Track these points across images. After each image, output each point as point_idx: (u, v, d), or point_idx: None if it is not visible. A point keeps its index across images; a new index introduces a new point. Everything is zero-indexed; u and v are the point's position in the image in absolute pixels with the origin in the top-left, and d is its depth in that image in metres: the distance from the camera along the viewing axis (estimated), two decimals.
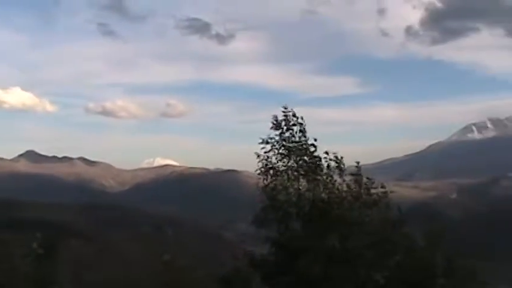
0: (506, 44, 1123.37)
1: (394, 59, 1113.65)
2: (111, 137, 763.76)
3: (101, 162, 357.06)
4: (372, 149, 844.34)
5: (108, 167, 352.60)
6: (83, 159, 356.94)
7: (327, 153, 11.62)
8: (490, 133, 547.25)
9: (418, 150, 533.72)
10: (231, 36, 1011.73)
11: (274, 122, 11.41)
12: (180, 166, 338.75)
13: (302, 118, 11.31)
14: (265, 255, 11.21)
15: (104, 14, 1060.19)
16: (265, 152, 11.31)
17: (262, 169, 11.27)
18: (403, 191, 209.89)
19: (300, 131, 11.32)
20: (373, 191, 12.43)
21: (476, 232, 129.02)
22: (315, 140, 11.38)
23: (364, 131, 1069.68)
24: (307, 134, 11.35)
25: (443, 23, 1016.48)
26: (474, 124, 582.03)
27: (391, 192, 12.82)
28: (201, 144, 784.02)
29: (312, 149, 11.42)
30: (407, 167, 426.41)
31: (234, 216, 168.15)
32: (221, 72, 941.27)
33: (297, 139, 11.37)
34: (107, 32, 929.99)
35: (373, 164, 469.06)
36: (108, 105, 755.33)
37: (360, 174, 12.41)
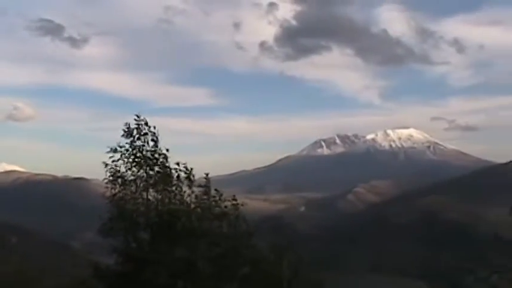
0: (354, 63, 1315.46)
1: (248, 72, 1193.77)
2: None
3: None
4: (224, 160, 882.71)
5: None
6: None
7: (178, 164, 12.38)
8: (338, 149, 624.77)
9: (268, 163, 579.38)
10: (84, 40, 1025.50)
11: (126, 129, 11.78)
12: (26, 172, 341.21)
13: (155, 127, 11.94)
14: (111, 265, 11.36)
15: None
16: (113, 161, 11.56)
17: (111, 178, 11.55)
18: (253, 204, 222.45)
19: (152, 140, 11.88)
20: (224, 203, 13.41)
21: (323, 244, 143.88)
22: (167, 150, 12.08)
23: (217, 143, 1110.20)
24: (159, 144, 12.05)
25: (296, 40, 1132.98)
26: (323, 140, 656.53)
27: (242, 204, 13.94)
28: (49, 151, 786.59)
29: (163, 159, 12.12)
30: (258, 179, 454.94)
31: (82, 225, 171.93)
32: (73, 76, 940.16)
33: (149, 148, 11.88)
34: None
35: (225, 176, 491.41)
36: None
37: (209, 186, 13.30)
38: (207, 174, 13.68)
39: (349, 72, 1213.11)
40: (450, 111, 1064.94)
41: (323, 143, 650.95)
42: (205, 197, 13.74)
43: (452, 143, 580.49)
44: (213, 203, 13.73)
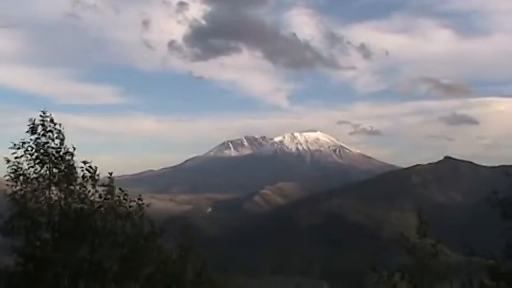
0: (264, 65, 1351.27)
1: (157, 71, 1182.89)
2: None
3: None
4: (131, 160, 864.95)
5: None
6: None
7: (84, 162, 12.68)
8: (246, 151, 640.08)
9: (176, 164, 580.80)
10: None
11: (31, 126, 11.85)
12: None
13: (60, 125, 12.13)
14: (12, 266, 11.31)
15: None
16: (16, 158, 11.59)
17: (12, 175, 11.55)
18: (159, 204, 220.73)
19: (58, 138, 12.06)
20: (129, 203, 13.69)
21: (229, 246, 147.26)
22: (74, 148, 12.34)
23: (124, 142, 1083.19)
24: (65, 142, 12.26)
25: (206, 41, 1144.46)
26: (231, 141, 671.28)
27: (147, 204, 14.31)
28: None
29: (69, 157, 12.37)
30: (165, 180, 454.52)
31: None
32: None
33: (54, 146, 12.06)
34: None
35: (131, 176, 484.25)
36: None
37: (113, 186, 13.54)
38: (110, 174, 13.86)
39: (258, 75, 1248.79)
40: (356, 115, 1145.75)
41: (231, 145, 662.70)
42: (109, 196, 13.92)
43: (358, 147, 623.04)
44: (117, 202, 13.92)
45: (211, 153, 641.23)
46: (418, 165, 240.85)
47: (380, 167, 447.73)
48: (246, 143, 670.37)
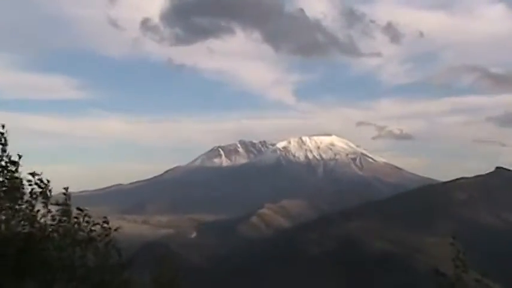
0: (263, 51, 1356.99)
1: (126, 58, 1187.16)
2: None
3: None
4: (93, 171, 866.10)
5: None
6: None
7: (33, 174, 12.40)
8: (241, 159, 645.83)
9: (152, 175, 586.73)
10: None
11: None
12: None
13: (3, 126, 11.87)
14: None
15: None
16: None
17: None
18: (131, 227, 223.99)
19: None
20: (92, 226, 13.88)
21: (218, 280, 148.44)
22: (19, 156, 12.07)
23: (84, 148, 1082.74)
24: (8, 148, 12.02)
25: (189, 19, 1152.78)
26: (222, 147, 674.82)
27: (116, 229, 14.56)
28: None
29: (13, 168, 12.11)
30: (138, 196, 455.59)
31: None
32: None
33: None
34: None
35: (94, 191, 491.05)
36: None
37: (69, 204, 13.59)
38: (66, 189, 13.65)
39: (256, 63, 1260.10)
40: (381, 115, 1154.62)
41: (222, 152, 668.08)
42: (65, 218, 13.75)
43: (383, 155, 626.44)
44: (76, 226, 13.76)
45: (197, 163, 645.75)
46: (461, 178, 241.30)
47: (412, 181, 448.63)
48: (241, 150, 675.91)
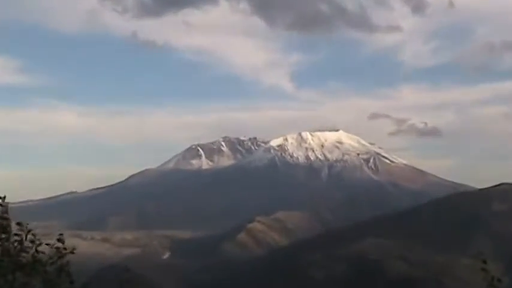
0: (252, 25, 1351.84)
1: (81, 34, 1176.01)
2: None
3: None
4: (41, 176, 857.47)
5: None
6: None
7: None
8: (225, 160, 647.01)
9: (114, 181, 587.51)
10: None
11: None
12: None
13: None
14: None
15: None
16: None
17: None
18: (87, 246, 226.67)
19: None
20: (38, 246, 12.88)
21: None
22: None
23: (28, 147, 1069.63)
24: None
25: None
26: (201, 146, 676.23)
27: (71, 250, 14.16)
28: None
29: None
30: (96, 207, 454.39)
31: None
32: None
33: None
34: None
35: (41, 201, 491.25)
36: None
37: (7, 218, 13.02)
38: (3, 198, 13.44)
39: (245, 40, 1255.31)
40: (400, 105, 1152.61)
41: (201, 151, 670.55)
42: (3, 235, 13.58)
43: (404, 155, 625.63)
44: (17, 245, 13.59)
45: (170, 165, 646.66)
46: (502, 184, 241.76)
47: (439, 187, 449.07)
48: (225, 149, 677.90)
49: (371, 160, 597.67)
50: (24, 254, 13.22)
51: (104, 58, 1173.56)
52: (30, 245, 13.19)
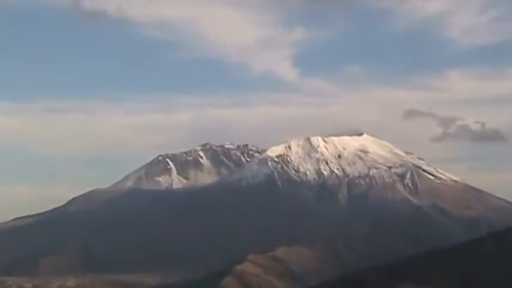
0: None
1: (1, 4, 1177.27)
2: None
3: None
4: None
5: None
6: None
7: None
8: (206, 177, 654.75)
9: (50, 207, 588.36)
10: None
11: None
12: None
13: None
14: None
15: None
16: None
17: None
18: None
19: None
20: None
21: None
22: None
23: None
24: None
25: None
26: (172, 156, 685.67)
27: None
28: None
29: None
30: (26, 243, 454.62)
31: None
32: None
33: None
34: None
35: None
36: None
37: None
38: None
39: (230, 10, 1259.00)
40: (447, 99, 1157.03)
41: (171, 164, 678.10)
42: None
43: (452, 169, 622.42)
44: None
45: (128, 183, 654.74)
46: None
47: (504, 213, 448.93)
48: (205, 160, 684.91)
49: (407, 176, 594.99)
50: None
51: (35, 35, 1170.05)
52: None
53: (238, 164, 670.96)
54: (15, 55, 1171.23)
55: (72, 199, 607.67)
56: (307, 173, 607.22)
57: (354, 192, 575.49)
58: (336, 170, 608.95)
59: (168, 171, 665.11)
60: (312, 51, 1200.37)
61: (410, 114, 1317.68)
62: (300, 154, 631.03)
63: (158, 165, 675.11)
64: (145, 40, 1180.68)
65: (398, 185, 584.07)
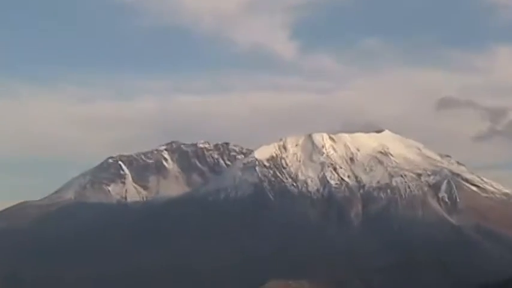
0: None
1: None
2: None
3: None
4: None
5: None
6: None
7: None
8: (171, 185, 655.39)
9: None
10: None
11: None
12: None
13: None
14: None
15: None
16: None
17: None
18: None
19: None
20: None
21: None
22: None
23: None
24: None
25: None
26: (126, 158, 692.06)
27: None
28: None
29: None
30: None
31: None
32: None
33: None
34: None
35: None
36: None
37: None
38: None
39: None
40: (494, 84, 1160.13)
41: (126, 169, 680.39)
42: None
43: (502, 177, 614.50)
44: None
45: (67, 195, 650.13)
46: None
47: None
48: (171, 164, 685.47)
49: (443, 187, 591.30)
50: None
51: None
52: None
53: (215, 169, 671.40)
54: None
55: None
56: (308, 182, 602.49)
57: (371, 209, 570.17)
58: (346, 179, 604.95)
59: (120, 178, 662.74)
60: (315, 18, 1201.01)
61: (446, 104, 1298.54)
62: (298, 156, 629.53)
63: (108, 170, 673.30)
64: (91, 2, 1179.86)
65: (431, 199, 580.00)
